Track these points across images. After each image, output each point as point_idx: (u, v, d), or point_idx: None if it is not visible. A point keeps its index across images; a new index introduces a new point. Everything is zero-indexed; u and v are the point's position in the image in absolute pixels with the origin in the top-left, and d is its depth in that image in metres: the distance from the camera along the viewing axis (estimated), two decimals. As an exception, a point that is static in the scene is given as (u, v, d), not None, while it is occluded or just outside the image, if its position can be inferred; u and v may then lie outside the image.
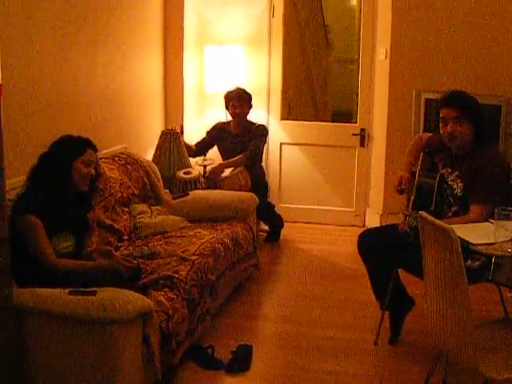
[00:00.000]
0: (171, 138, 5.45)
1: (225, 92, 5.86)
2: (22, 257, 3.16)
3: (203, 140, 5.97)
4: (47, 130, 4.04)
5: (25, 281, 3.11)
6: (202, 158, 5.83)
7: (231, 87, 5.85)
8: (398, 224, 3.82)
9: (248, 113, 5.86)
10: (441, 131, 3.75)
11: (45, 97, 4.03)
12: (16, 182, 3.58)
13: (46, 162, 3.39)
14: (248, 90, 5.85)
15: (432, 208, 3.65)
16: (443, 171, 3.78)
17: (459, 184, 3.69)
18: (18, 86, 3.72)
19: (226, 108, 5.86)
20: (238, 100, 5.77)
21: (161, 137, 5.49)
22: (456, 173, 3.72)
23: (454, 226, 2.76)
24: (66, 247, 3.38)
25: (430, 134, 4.12)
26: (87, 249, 3.63)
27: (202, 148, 5.92)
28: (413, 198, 3.77)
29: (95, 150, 3.53)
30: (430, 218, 2.83)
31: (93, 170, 3.47)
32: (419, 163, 3.83)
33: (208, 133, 5.98)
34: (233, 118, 5.85)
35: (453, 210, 3.71)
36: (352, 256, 4.99)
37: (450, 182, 3.73)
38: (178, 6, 5.93)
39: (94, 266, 3.34)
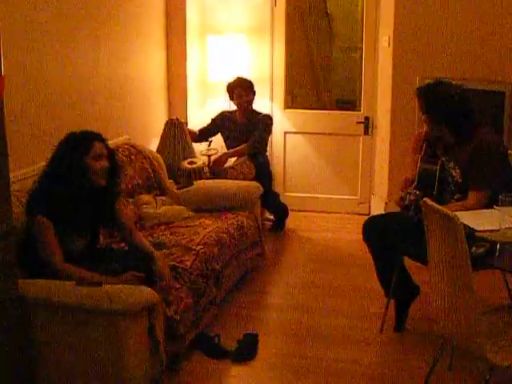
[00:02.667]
0: (176, 127, 5.44)
1: (228, 82, 5.84)
2: (32, 254, 3.17)
3: (207, 126, 5.96)
4: (50, 121, 4.05)
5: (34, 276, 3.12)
6: (206, 147, 5.81)
7: (232, 77, 5.83)
8: (399, 200, 3.83)
9: (253, 100, 5.85)
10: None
11: (48, 88, 4.03)
12: (19, 174, 3.59)
13: (55, 165, 3.31)
14: (251, 79, 5.83)
15: (434, 193, 3.67)
16: (443, 159, 3.78)
17: (457, 171, 3.70)
18: (21, 78, 3.72)
19: (231, 99, 5.85)
20: (243, 89, 5.76)
21: (165, 126, 5.48)
22: (453, 160, 3.73)
23: (458, 213, 2.77)
24: (80, 243, 3.37)
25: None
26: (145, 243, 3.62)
27: (205, 134, 5.91)
28: (415, 184, 3.78)
29: (102, 140, 3.40)
30: (434, 205, 2.83)
31: (106, 162, 3.35)
32: (422, 152, 3.86)
33: (213, 120, 5.96)
34: (239, 107, 5.83)
35: (456, 197, 3.71)
36: (357, 244, 5.00)
37: (450, 170, 3.73)
38: (180, -4, 5.93)
39: (105, 281, 3.17)
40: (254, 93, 5.84)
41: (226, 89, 5.83)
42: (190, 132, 5.68)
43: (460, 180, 3.67)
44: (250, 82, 5.81)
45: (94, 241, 3.51)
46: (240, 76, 5.83)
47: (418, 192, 3.67)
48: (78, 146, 3.32)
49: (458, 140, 3.71)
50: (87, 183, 3.32)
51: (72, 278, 3.11)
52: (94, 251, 3.49)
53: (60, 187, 3.24)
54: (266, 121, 5.84)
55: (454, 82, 3.83)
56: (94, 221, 3.47)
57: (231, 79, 5.82)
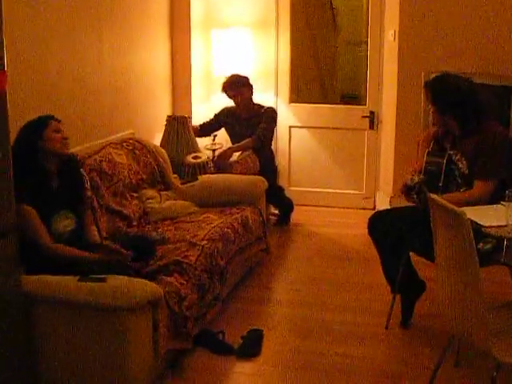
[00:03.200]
0: (178, 122, 5.41)
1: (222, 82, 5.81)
2: (23, 247, 3.16)
3: (210, 122, 5.92)
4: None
5: (30, 271, 3.10)
6: (210, 142, 5.79)
7: (227, 76, 5.78)
8: (403, 187, 3.81)
9: (250, 95, 5.79)
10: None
11: (51, 83, 4.02)
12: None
13: (18, 150, 3.25)
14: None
15: (440, 184, 3.66)
16: (451, 152, 3.77)
17: (464, 162, 3.70)
18: (24, 73, 3.70)
19: (230, 98, 5.83)
20: (232, 88, 5.72)
21: (168, 121, 5.45)
22: (460, 152, 3.72)
23: (465, 209, 2.75)
24: (66, 225, 3.37)
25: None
26: (93, 233, 3.60)
27: (207, 130, 5.87)
28: (421, 175, 3.76)
29: (57, 119, 3.46)
30: (440, 200, 2.81)
31: (65, 134, 3.41)
32: (431, 146, 3.85)
33: (216, 116, 5.93)
34: (237, 105, 5.81)
35: (462, 190, 3.70)
36: (362, 239, 4.99)
37: (457, 162, 3.72)
38: (184, -10, 5.90)
39: (95, 259, 3.27)
40: (250, 88, 5.78)
41: (221, 90, 5.80)
42: (192, 128, 5.64)
43: (467, 172, 3.67)
44: (242, 78, 5.75)
45: (80, 223, 3.51)
46: (233, 74, 5.78)
47: (422, 175, 3.66)
48: (35, 126, 3.37)
49: (464, 131, 3.70)
50: (50, 158, 3.36)
51: (63, 257, 3.19)
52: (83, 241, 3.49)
53: (28, 171, 3.25)
54: (271, 114, 5.80)
55: (461, 75, 3.82)
56: (70, 195, 3.49)
57: (225, 79, 5.77)
